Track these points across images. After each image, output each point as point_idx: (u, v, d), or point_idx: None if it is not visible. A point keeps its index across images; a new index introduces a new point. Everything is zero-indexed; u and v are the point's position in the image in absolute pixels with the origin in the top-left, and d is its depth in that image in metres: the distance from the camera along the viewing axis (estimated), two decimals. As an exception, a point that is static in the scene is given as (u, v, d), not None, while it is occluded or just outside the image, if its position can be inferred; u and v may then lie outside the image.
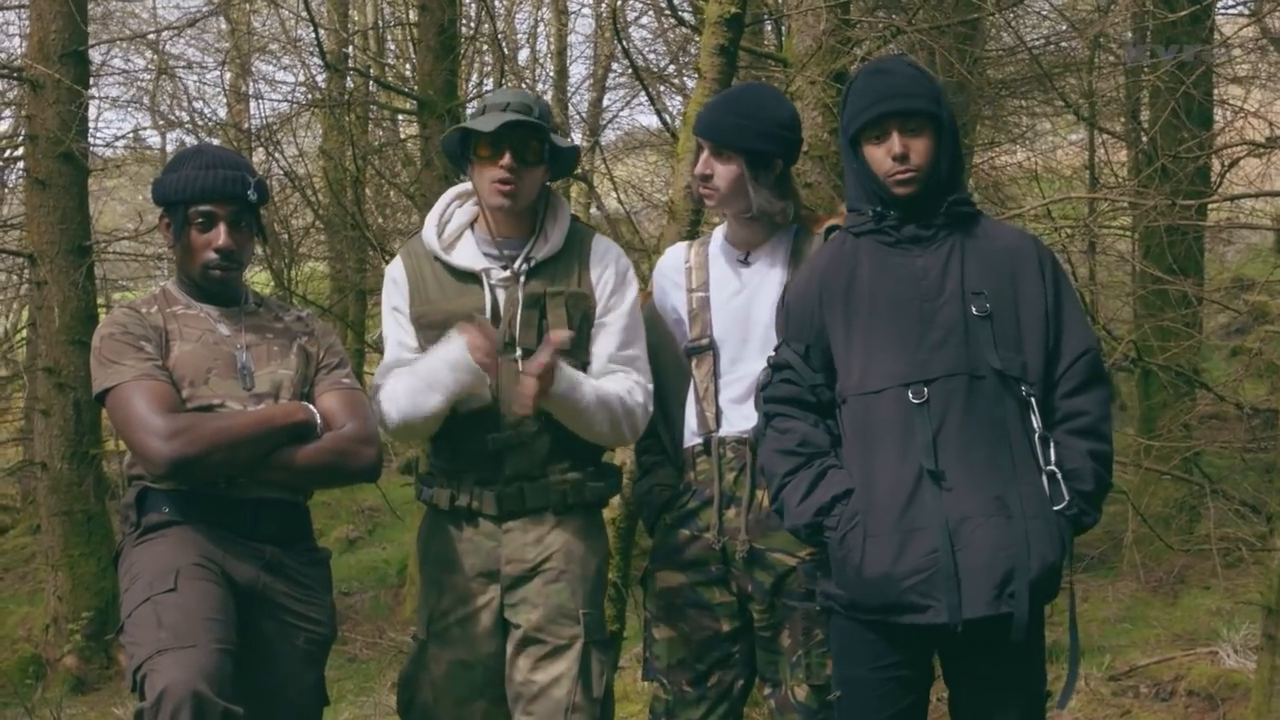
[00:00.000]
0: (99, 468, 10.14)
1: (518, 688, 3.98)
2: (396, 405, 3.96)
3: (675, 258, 4.29)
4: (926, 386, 3.53)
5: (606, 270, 4.08)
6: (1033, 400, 3.54)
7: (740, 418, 4.04)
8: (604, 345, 4.04)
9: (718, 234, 4.25)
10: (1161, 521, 9.95)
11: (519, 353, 3.92)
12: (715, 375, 4.10)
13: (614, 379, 4.00)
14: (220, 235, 3.84)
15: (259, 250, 11.84)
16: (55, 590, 10.14)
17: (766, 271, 4.11)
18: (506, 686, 4.02)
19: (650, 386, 4.07)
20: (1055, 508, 3.50)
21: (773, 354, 3.86)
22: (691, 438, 4.14)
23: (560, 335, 3.82)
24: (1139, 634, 8.51)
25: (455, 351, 3.83)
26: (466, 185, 4.19)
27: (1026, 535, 3.44)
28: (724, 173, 4.02)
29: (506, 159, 3.92)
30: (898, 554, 3.47)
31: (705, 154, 4.04)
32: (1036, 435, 3.53)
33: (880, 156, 3.65)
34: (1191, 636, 8.18)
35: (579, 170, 12.33)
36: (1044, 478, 3.52)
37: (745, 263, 4.13)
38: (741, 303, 4.10)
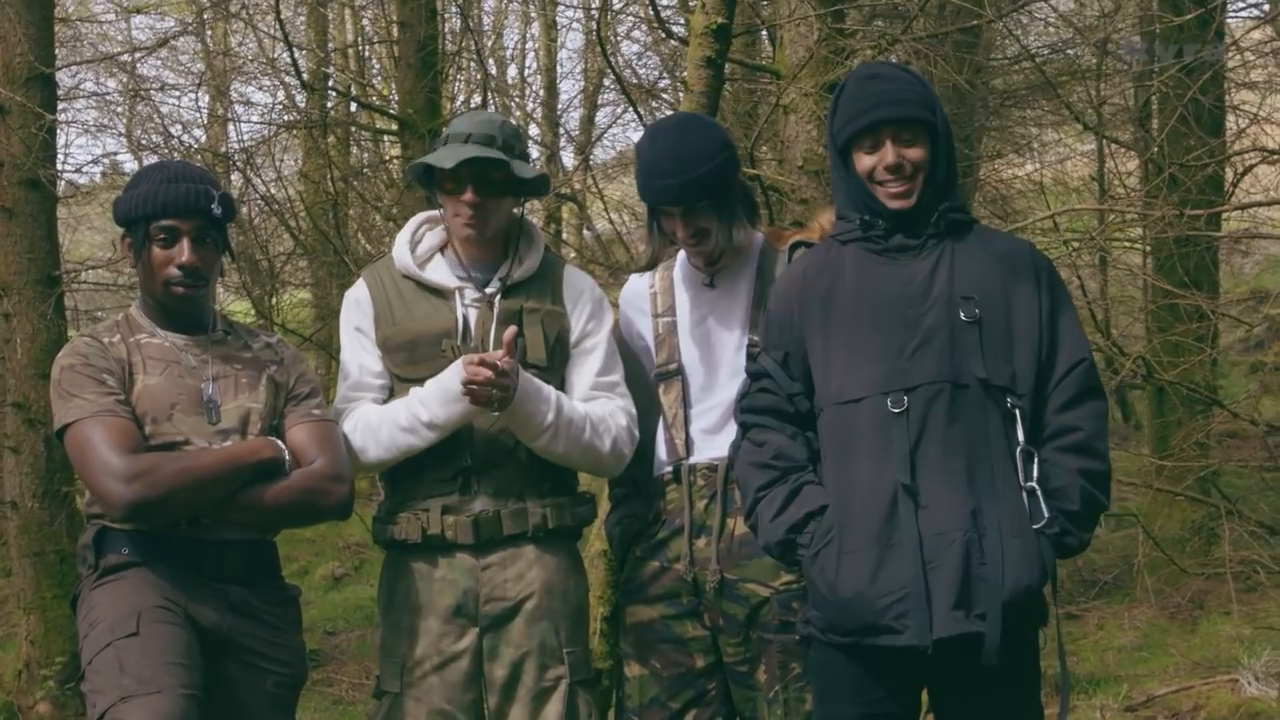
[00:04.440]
0: (71, 506, 9.87)
1: None
2: (375, 439, 3.90)
3: (640, 283, 4.23)
4: (907, 395, 3.39)
5: (581, 296, 4.07)
6: (1018, 413, 3.40)
7: (711, 448, 3.97)
8: (585, 372, 4.01)
9: (682, 258, 4.15)
10: (1177, 544, 9.93)
11: None
12: (685, 402, 4.03)
13: (596, 404, 3.96)
14: (184, 251, 3.72)
15: (236, 277, 11.84)
16: (27, 634, 9.89)
17: (731, 294, 4.04)
18: None
19: (634, 411, 4.03)
20: (1034, 526, 3.34)
21: (751, 362, 3.77)
22: (661, 466, 4.06)
23: (510, 331, 3.80)
24: (1156, 662, 8.36)
25: (453, 384, 3.78)
26: (435, 212, 4.18)
27: (1001, 553, 3.28)
28: (707, 223, 3.92)
29: (469, 194, 3.91)
30: (873, 573, 3.34)
31: (677, 221, 3.93)
32: (1019, 449, 3.38)
33: (871, 165, 3.51)
34: (1211, 664, 8.02)
35: (569, 190, 12.21)
36: (1024, 494, 3.37)
37: (710, 286, 4.05)
38: (708, 328, 4.04)
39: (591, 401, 3.95)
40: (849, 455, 3.45)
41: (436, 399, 3.80)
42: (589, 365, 3.99)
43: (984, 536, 3.28)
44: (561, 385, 3.96)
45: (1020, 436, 3.38)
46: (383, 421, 3.88)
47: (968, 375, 3.38)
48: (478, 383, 3.68)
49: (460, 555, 3.88)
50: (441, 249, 4.09)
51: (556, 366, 3.98)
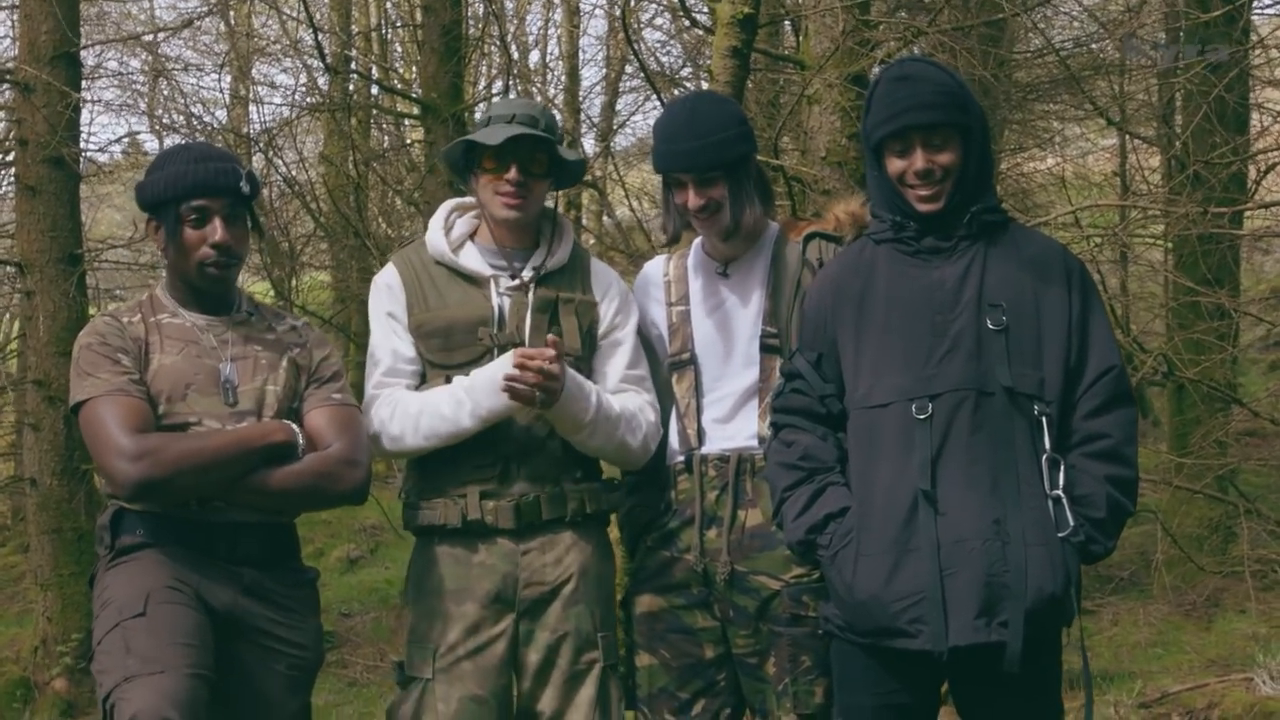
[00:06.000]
0: (90, 484, 9.89)
1: (534, 717, 3.89)
2: (414, 427, 3.88)
3: (654, 271, 4.24)
4: (931, 402, 3.41)
5: (610, 290, 4.08)
6: (1044, 420, 3.40)
7: (723, 437, 3.97)
8: (615, 364, 4.02)
9: (696, 246, 4.17)
10: (1195, 542, 9.81)
11: None
12: (697, 392, 4.02)
13: (626, 397, 3.97)
14: (217, 230, 3.71)
15: (257, 258, 11.87)
16: (44, 611, 9.92)
17: (745, 283, 4.03)
18: (518, 717, 3.91)
19: (659, 407, 4.04)
20: (1060, 534, 3.35)
21: (787, 362, 3.78)
22: (673, 455, 4.05)
23: (554, 338, 3.76)
24: (1171, 659, 8.33)
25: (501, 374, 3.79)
26: (465, 199, 4.17)
27: (1025, 562, 3.30)
28: (719, 195, 3.91)
29: (513, 172, 3.91)
30: (889, 576, 3.37)
31: (689, 189, 3.92)
32: (1045, 457, 3.36)
33: (902, 168, 3.51)
34: (1226, 662, 7.98)
35: (590, 177, 12.18)
36: (1050, 502, 3.37)
37: (724, 275, 4.04)
38: (721, 317, 4.03)
39: (621, 395, 3.96)
40: (872, 459, 3.47)
41: (484, 390, 3.79)
42: (618, 358, 4.01)
43: (1007, 545, 3.30)
44: (590, 374, 3.97)
45: (1047, 443, 3.38)
46: (423, 410, 3.86)
47: (993, 383, 3.39)
48: (524, 381, 3.69)
49: (501, 540, 3.88)
50: (472, 236, 4.07)
51: (585, 357, 3.98)
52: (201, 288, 3.78)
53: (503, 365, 3.76)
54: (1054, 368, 3.43)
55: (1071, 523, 3.34)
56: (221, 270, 3.75)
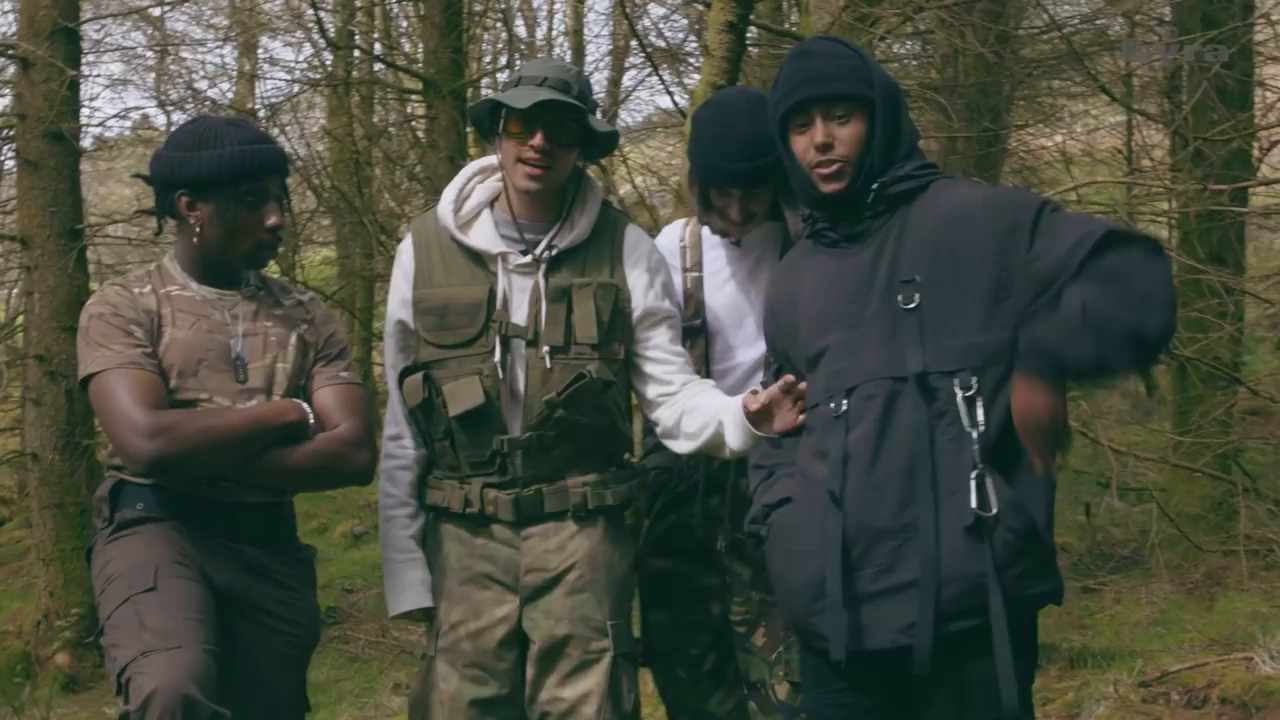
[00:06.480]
0: (91, 458, 9.94)
1: (543, 705, 3.79)
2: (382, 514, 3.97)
3: (670, 236, 4.14)
4: (846, 397, 3.22)
5: (640, 264, 3.86)
6: (959, 395, 3.12)
7: None
8: (667, 345, 3.86)
9: None
10: (1196, 520, 9.75)
11: (546, 349, 3.71)
12: (708, 360, 3.99)
13: (698, 391, 3.80)
14: (273, 212, 3.68)
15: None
16: (46, 586, 9.99)
17: (759, 255, 3.99)
18: (527, 706, 3.82)
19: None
20: (985, 514, 3.05)
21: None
22: None
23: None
24: (1171, 638, 8.30)
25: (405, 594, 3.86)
26: (490, 159, 3.91)
27: (938, 557, 3.07)
28: (761, 201, 3.84)
29: (538, 139, 3.66)
30: (805, 578, 3.23)
31: (734, 203, 3.83)
32: (977, 433, 3.09)
33: (804, 147, 3.33)
34: (1226, 641, 7.95)
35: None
36: (971, 483, 3.07)
37: (737, 244, 3.99)
38: (733, 287, 4.00)
39: (691, 385, 3.79)
40: (804, 459, 3.33)
41: (393, 590, 3.86)
42: (669, 334, 3.86)
43: (920, 540, 3.09)
44: (617, 356, 3.81)
45: (965, 424, 3.12)
46: (387, 522, 3.91)
47: (906, 370, 3.17)
48: None
49: (499, 528, 3.80)
50: (491, 204, 3.87)
51: (614, 338, 3.79)
52: (237, 267, 3.76)
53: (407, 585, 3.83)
54: (990, 325, 3.16)
55: (994, 507, 3.06)
56: (273, 252, 3.77)
